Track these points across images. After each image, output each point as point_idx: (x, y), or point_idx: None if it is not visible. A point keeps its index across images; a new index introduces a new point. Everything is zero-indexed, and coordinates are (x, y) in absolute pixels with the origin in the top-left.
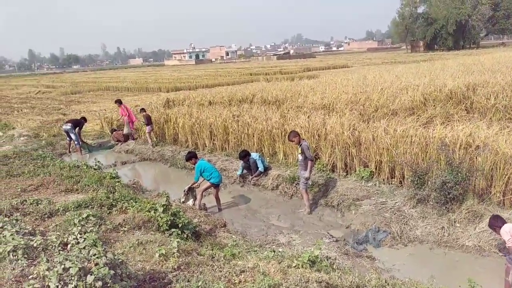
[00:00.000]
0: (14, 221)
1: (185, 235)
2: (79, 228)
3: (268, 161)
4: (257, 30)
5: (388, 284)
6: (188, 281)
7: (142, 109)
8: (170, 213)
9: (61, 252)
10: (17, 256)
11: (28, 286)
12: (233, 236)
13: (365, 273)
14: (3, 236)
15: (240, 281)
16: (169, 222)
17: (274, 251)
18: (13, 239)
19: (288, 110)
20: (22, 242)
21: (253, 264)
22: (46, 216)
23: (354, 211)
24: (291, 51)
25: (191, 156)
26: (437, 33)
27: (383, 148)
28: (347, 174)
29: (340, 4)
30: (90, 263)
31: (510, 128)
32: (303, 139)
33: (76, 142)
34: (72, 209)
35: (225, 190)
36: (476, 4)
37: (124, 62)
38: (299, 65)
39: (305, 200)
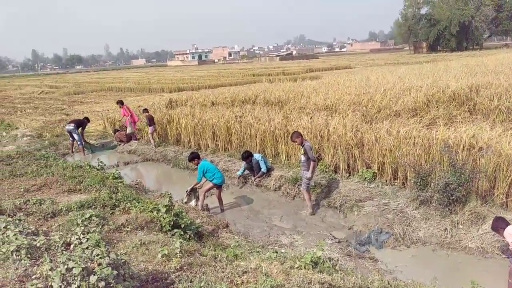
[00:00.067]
0: (17, 221)
1: (188, 236)
2: (82, 228)
3: (270, 162)
4: (257, 30)
5: (390, 285)
6: (191, 281)
7: (145, 109)
8: (172, 213)
9: (64, 252)
10: (20, 256)
11: (31, 286)
12: (236, 237)
13: (367, 274)
14: (6, 236)
15: (242, 282)
16: (172, 223)
17: (277, 252)
18: (16, 239)
19: (291, 111)
20: (25, 242)
21: (256, 265)
22: (49, 216)
23: (357, 212)
24: (294, 52)
25: (194, 157)
26: (440, 34)
27: (386, 149)
28: (349, 175)
29: (342, 4)
30: (93, 263)
31: None
32: (306, 140)
33: (79, 143)
34: (75, 209)
35: (228, 191)
36: (479, 5)
37: (127, 62)
38: (301, 66)
39: (307, 201)
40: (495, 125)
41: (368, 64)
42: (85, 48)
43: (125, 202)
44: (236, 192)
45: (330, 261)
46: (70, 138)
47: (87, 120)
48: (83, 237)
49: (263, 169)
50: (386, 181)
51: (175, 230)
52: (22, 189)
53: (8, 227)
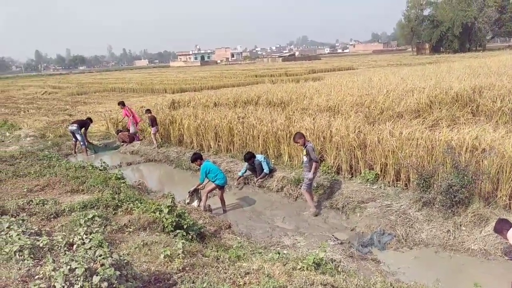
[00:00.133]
0: (21, 221)
1: (190, 237)
2: (85, 228)
3: (273, 163)
4: (258, 31)
5: (393, 287)
6: (193, 282)
7: (148, 110)
8: (175, 214)
9: (67, 252)
10: (23, 256)
11: (34, 286)
12: (238, 238)
13: (370, 276)
14: (10, 236)
15: (245, 283)
16: (174, 223)
17: (279, 253)
18: (19, 239)
19: (293, 112)
20: (28, 242)
21: (258, 266)
22: (52, 216)
23: (359, 214)
24: (297, 53)
25: (197, 158)
26: (443, 36)
27: (389, 151)
28: (352, 177)
29: (342, 4)
30: (96, 263)
31: None
32: (308, 141)
33: (82, 143)
34: (78, 209)
35: (230, 192)
36: (482, 6)
37: (130, 63)
38: (304, 67)
39: (309, 201)
40: (498, 126)
41: (371, 65)
42: (87, 49)
43: (127, 202)
44: (238, 193)
45: (332, 262)
46: (73, 139)
47: (90, 120)
48: (86, 238)
49: (266, 170)
50: (389, 183)
51: (178, 231)
52: (25, 189)
53: (11, 227)
